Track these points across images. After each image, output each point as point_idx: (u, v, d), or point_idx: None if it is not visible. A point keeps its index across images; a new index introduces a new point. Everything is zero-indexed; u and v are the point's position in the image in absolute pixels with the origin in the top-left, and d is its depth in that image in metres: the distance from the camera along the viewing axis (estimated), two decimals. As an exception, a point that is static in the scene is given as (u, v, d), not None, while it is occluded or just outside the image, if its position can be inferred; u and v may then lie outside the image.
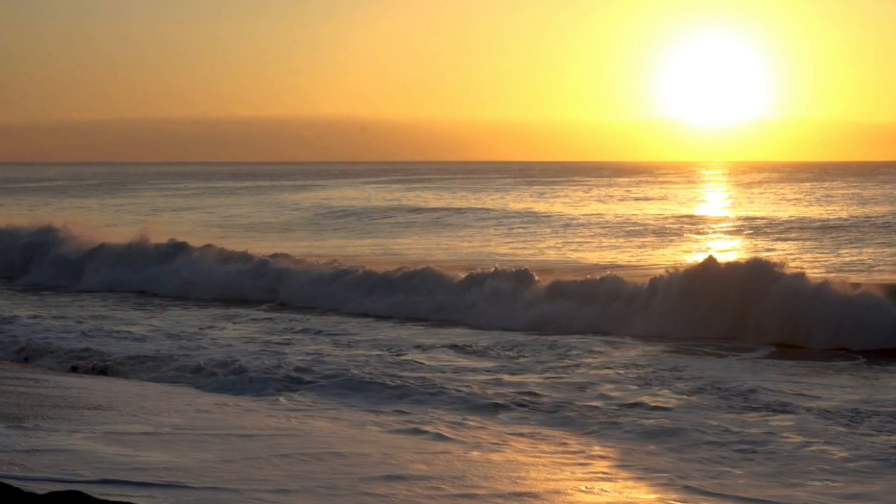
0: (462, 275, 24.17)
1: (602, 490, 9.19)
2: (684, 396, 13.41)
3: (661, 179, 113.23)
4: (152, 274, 28.34)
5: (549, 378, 14.72)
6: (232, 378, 14.52)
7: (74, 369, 15.93)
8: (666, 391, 13.77)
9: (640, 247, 35.86)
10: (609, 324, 20.05)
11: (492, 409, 12.56)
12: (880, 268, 27.56)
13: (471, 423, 11.82)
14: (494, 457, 10.28)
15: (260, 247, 32.69)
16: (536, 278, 23.20)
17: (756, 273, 19.99)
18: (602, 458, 10.33)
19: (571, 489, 9.22)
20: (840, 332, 18.21)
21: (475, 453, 10.40)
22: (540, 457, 10.33)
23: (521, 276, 23.36)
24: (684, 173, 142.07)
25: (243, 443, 10.64)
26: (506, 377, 14.80)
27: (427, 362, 16.15)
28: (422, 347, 17.77)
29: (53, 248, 31.65)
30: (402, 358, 16.47)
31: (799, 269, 20.84)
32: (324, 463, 9.85)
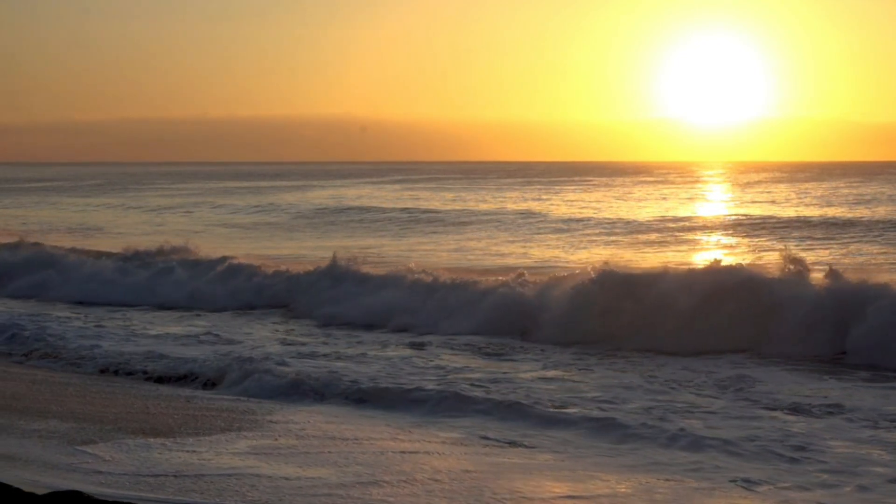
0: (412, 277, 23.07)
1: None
2: (722, 401, 13.18)
3: (661, 179, 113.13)
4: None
5: (581, 382, 14.57)
6: (282, 385, 14.01)
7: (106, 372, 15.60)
8: (695, 395, 13.61)
9: (643, 245, 35.83)
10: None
11: (568, 421, 12.02)
12: (885, 268, 27.48)
13: (560, 437, 11.40)
14: (619, 485, 9.72)
15: (260, 247, 32.67)
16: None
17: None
18: (680, 464, 10.18)
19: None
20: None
21: (597, 477, 9.86)
22: (653, 473, 9.99)
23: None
24: (684, 173, 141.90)
25: (382, 459, 10.31)
26: (549, 373, 15.01)
27: (460, 365, 15.87)
28: (440, 349, 17.44)
29: None
30: (433, 363, 16.08)
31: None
32: (495, 484, 9.47)
